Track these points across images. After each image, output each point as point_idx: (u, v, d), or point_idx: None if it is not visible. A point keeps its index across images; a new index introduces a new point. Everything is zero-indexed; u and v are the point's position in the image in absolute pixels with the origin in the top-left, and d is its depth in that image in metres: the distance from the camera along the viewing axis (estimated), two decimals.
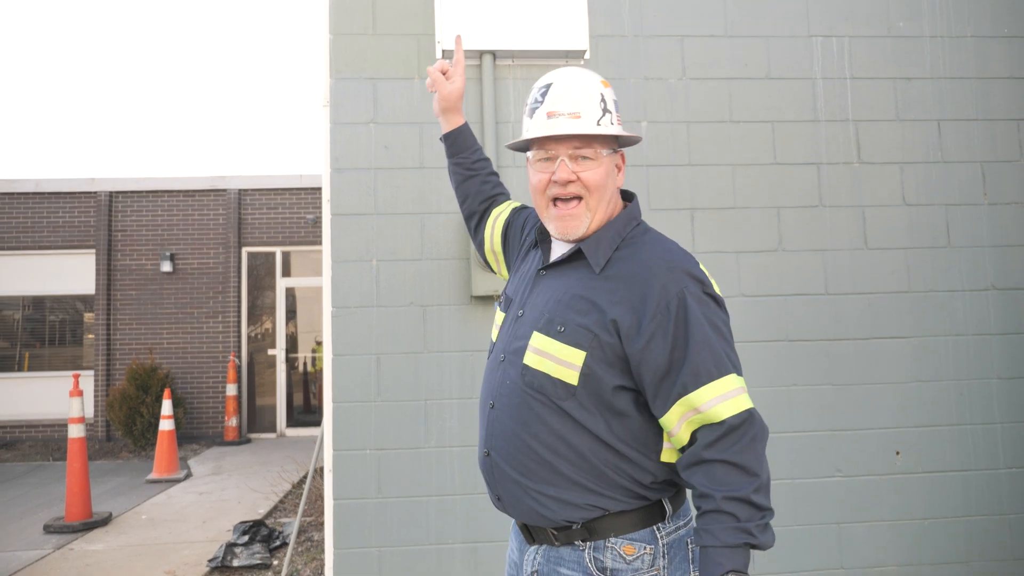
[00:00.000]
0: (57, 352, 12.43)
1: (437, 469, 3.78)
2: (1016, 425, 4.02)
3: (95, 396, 11.71)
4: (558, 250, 1.92)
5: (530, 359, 1.77)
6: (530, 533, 1.83)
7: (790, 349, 3.97)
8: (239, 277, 12.17)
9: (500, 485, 1.82)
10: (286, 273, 12.55)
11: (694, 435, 1.66)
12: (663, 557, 1.72)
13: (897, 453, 3.96)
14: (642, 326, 1.67)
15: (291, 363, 12.49)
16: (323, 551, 5.66)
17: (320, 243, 12.09)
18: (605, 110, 1.80)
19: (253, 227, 12.31)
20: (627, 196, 1.96)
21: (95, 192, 12.09)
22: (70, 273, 12.19)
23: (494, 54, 3.90)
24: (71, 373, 8.26)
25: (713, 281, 1.76)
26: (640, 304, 1.68)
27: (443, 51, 3.86)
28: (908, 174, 4.10)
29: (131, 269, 12.04)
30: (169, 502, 7.77)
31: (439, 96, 2.27)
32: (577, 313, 1.73)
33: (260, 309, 12.59)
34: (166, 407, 9.15)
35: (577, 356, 1.70)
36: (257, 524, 6.16)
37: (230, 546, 5.78)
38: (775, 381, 3.94)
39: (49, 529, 6.68)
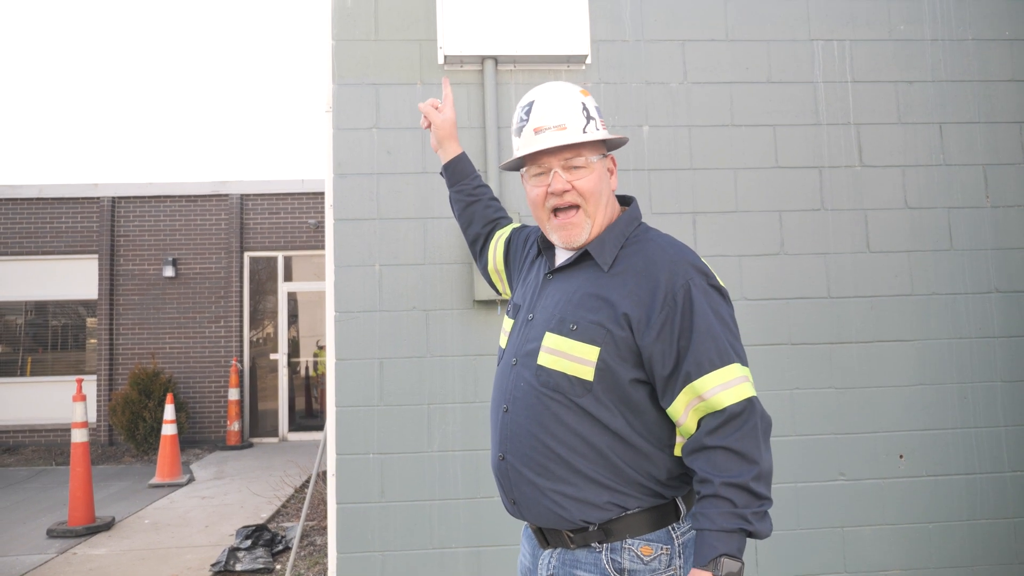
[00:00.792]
0: (60, 357, 12.44)
1: (440, 473, 3.78)
2: (1020, 428, 4.02)
3: (98, 401, 11.72)
4: (562, 255, 1.96)
5: (544, 359, 1.80)
6: (544, 537, 1.84)
7: (793, 352, 3.97)
8: (241, 282, 12.18)
9: (516, 488, 1.83)
10: (288, 278, 12.56)
11: (699, 423, 1.69)
12: (679, 556, 1.73)
13: (900, 456, 3.96)
14: (651, 318, 1.71)
15: (293, 367, 12.49)
16: (326, 555, 5.65)
17: (322, 248, 12.10)
18: (588, 117, 1.87)
19: (255, 232, 12.32)
20: (626, 200, 2.01)
21: (98, 197, 12.11)
22: (73, 278, 12.20)
23: (496, 59, 3.91)
24: (74, 378, 8.28)
25: (718, 276, 1.81)
26: (649, 297, 1.73)
27: (446, 56, 3.87)
28: (910, 177, 4.10)
29: (134, 274, 12.05)
30: (172, 506, 7.77)
31: (433, 126, 2.38)
32: (589, 311, 1.77)
33: (262, 314, 12.60)
34: (168, 412, 9.15)
35: (591, 352, 1.74)
36: (260, 528, 6.16)
37: (233, 550, 5.78)
38: (778, 384, 3.94)
39: (52, 533, 6.68)
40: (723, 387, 1.66)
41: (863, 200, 4.07)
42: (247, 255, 12.34)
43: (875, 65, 4.14)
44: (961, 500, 3.97)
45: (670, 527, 1.75)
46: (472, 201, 2.42)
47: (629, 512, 1.73)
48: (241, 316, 12.11)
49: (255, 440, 12.04)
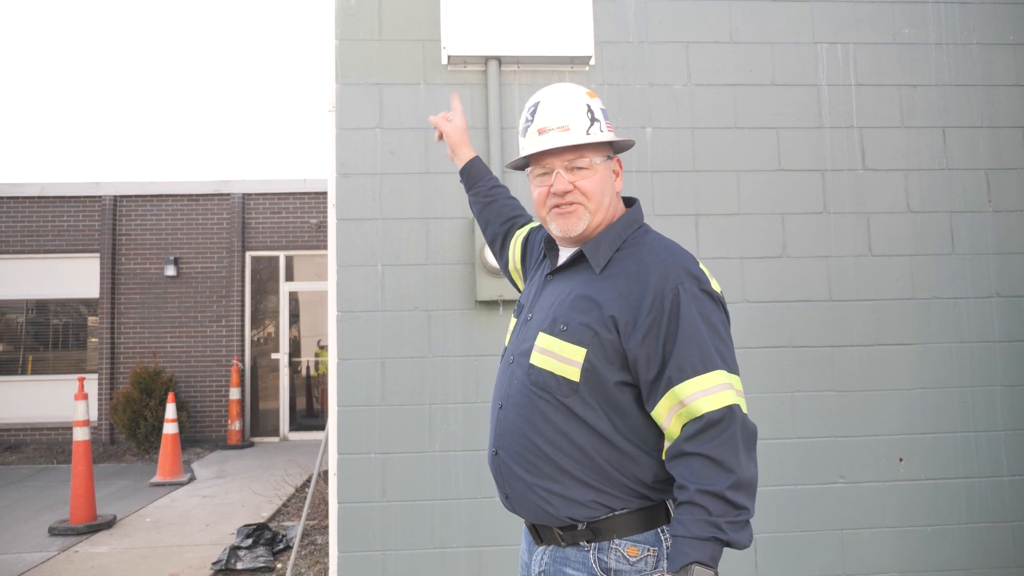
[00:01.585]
0: (61, 356, 12.45)
1: (441, 473, 3.78)
2: (1019, 432, 4.02)
3: (99, 399, 11.73)
4: (564, 256, 1.99)
5: (535, 358, 1.83)
6: (538, 534, 1.86)
7: (794, 355, 3.98)
8: (243, 281, 12.19)
9: (508, 483, 1.86)
10: (289, 277, 12.57)
11: (681, 429, 1.69)
12: (666, 559, 1.73)
13: (900, 460, 3.96)
14: (638, 322, 1.72)
15: (294, 367, 12.50)
16: (326, 554, 5.66)
17: (323, 248, 12.11)
18: (593, 119, 1.88)
19: (257, 231, 12.33)
20: (630, 202, 2.02)
21: (100, 196, 12.12)
22: (74, 277, 12.21)
23: (499, 60, 3.92)
24: (75, 376, 8.28)
25: (713, 280, 1.81)
26: (637, 301, 1.73)
27: (449, 57, 3.88)
28: (912, 181, 4.10)
29: (135, 273, 12.06)
30: (173, 505, 7.78)
31: (445, 136, 2.46)
32: (579, 312, 1.79)
33: (263, 313, 12.61)
34: (170, 411, 9.16)
35: (578, 353, 1.75)
36: (260, 527, 6.17)
37: (234, 549, 5.79)
38: (779, 387, 3.95)
39: (54, 531, 6.69)
40: (704, 393, 1.65)
41: (865, 203, 4.08)
42: (249, 254, 12.35)
43: (879, 68, 4.15)
44: (960, 504, 3.97)
45: (659, 530, 1.76)
46: (489, 202, 2.47)
47: (617, 513, 1.75)
48: (242, 315, 12.12)
49: (256, 439, 12.05)
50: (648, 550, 1.74)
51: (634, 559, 1.73)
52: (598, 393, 1.75)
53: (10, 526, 7.09)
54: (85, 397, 7.12)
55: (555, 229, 1.92)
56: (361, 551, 3.72)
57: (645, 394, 1.73)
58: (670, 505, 1.78)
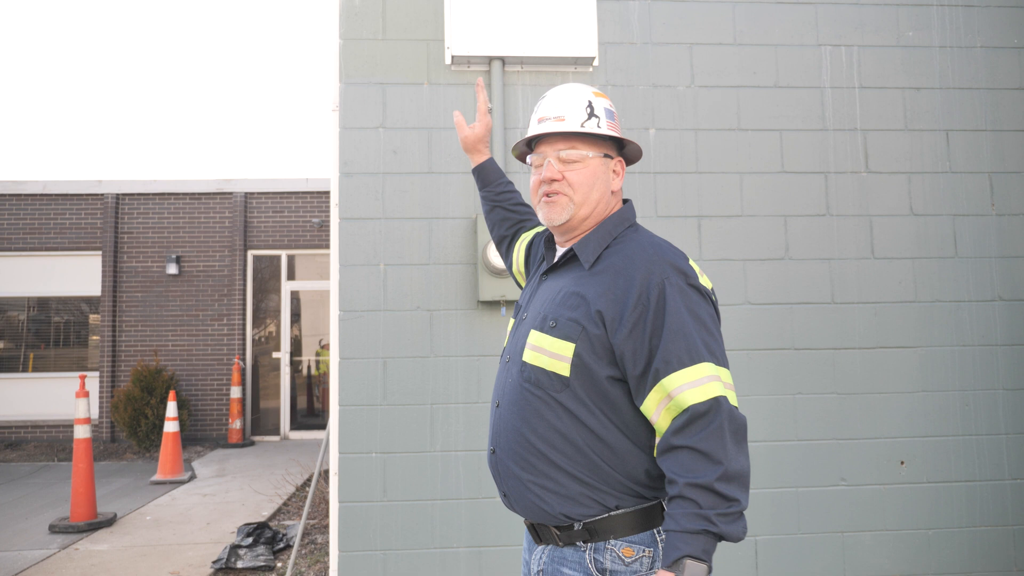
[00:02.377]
0: (62, 353, 12.46)
1: (442, 473, 3.79)
2: (1021, 436, 4.02)
3: (100, 397, 11.73)
4: (558, 256, 2.02)
5: (528, 355, 1.86)
6: (537, 533, 1.88)
7: (796, 357, 3.97)
8: (244, 280, 12.20)
9: (505, 481, 1.88)
10: (291, 276, 12.57)
11: (670, 423, 1.70)
12: (662, 560, 1.73)
13: (902, 463, 3.96)
14: (624, 316, 1.73)
15: (295, 366, 12.51)
16: (327, 554, 5.66)
17: (325, 247, 12.13)
18: (592, 115, 1.92)
19: (259, 230, 12.34)
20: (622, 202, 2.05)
21: (102, 194, 12.13)
22: (76, 275, 12.21)
23: (503, 60, 3.92)
24: (76, 374, 8.29)
25: (703, 276, 1.82)
26: (623, 295, 1.75)
27: (453, 57, 3.88)
28: (916, 184, 4.10)
29: (137, 271, 12.07)
30: (173, 503, 7.78)
31: (462, 139, 2.50)
32: (568, 308, 1.82)
33: (265, 312, 12.62)
34: (171, 409, 9.16)
35: (567, 348, 1.78)
36: (261, 526, 6.17)
37: (234, 548, 5.79)
38: (780, 389, 3.95)
39: (54, 529, 6.69)
40: (690, 385, 1.66)
41: (868, 206, 4.07)
42: (251, 253, 12.35)
43: (883, 71, 4.15)
44: (961, 507, 3.97)
45: (655, 530, 1.77)
46: (497, 204, 2.51)
47: (613, 512, 1.75)
48: (244, 314, 12.12)
49: (257, 438, 12.05)
50: (643, 551, 1.75)
51: (629, 559, 1.74)
52: (588, 388, 1.77)
53: (10, 523, 7.10)
54: (86, 395, 7.12)
55: (542, 218, 1.97)
56: (362, 550, 3.72)
57: (634, 389, 1.74)
58: (665, 505, 1.77)
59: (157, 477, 8.91)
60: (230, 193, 12.28)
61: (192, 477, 9.10)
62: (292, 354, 12.43)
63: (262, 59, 31.85)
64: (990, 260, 4.08)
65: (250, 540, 5.92)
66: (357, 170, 3.90)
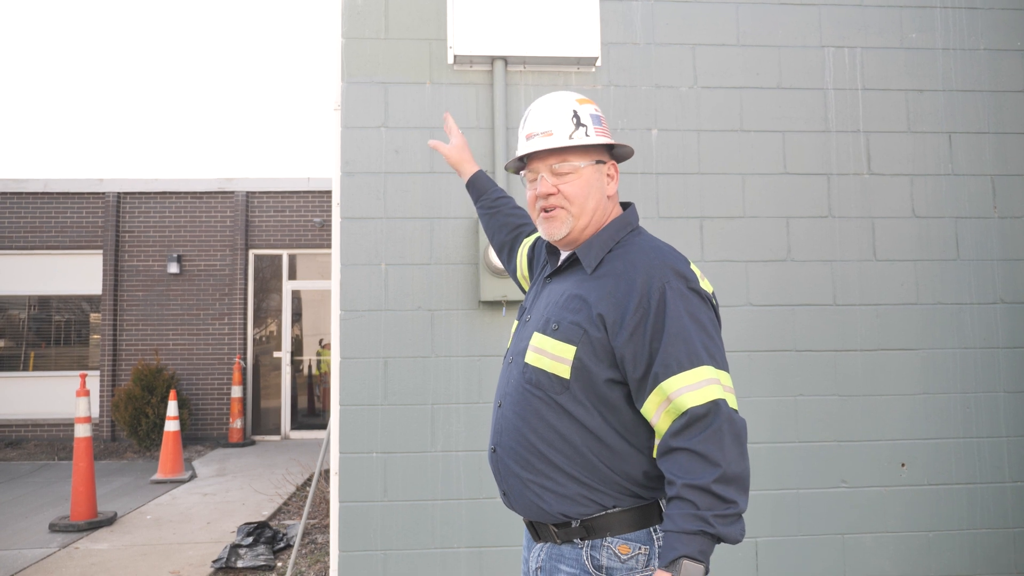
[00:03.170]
0: (63, 352, 12.46)
1: (443, 473, 3.78)
2: (1022, 439, 4.01)
3: (101, 396, 11.73)
4: (562, 259, 2.05)
5: (530, 357, 1.88)
6: (536, 531, 1.91)
7: (797, 359, 3.97)
8: (245, 279, 12.20)
9: (505, 480, 1.91)
10: (292, 276, 12.58)
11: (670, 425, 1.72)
12: (658, 558, 1.76)
13: (902, 465, 3.96)
14: (625, 320, 1.75)
15: (296, 366, 12.51)
16: (327, 553, 5.66)
17: (326, 246, 12.12)
18: (578, 124, 1.94)
19: (260, 230, 12.34)
20: (625, 206, 2.07)
21: (103, 193, 12.13)
22: (77, 273, 12.22)
23: (506, 60, 3.92)
24: (77, 373, 8.29)
25: (705, 280, 1.84)
26: (624, 299, 1.77)
27: (455, 56, 3.87)
28: (918, 186, 4.10)
29: (138, 270, 12.07)
30: (174, 503, 7.78)
31: (445, 156, 2.54)
32: (570, 311, 1.84)
33: (266, 312, 12.62)
34: (171, 408, 9.17)
35: (568, 351, 1.80)
36: (261, 526, 6.17)
37: (234, 547, 5.79)
38: (782, 391, 3.94)
39: (54, 528, 6.69)
40: (689, 388, 1.67)
41: (871, 208, 4.07)
42: (252, 252, 12.36)
43: (886, 73, 4.14)
44: (962, 509, 3.96)
45: (651, 529, 1.79)
46: (494, 212, 2.53)
47: (610, 511, 1.78)
48: (245, 313, 12.12)
49: (257, 438, 12.06)
50: (639, 548, 1.76)
51: (625, 557, 1.76)
52: (588, 390, 1.79)
53: (11, 522, 7.10)
54: (87, 394, 7.12)
55: (542, 233, 2.01)
56: (362, 550, 3.71)
57: (634, 391, 1.76)
58: (662, 504, 1.80)
59: (157, 476, 8.91)
60: (231, 192, 12.28)
61: (192, 476, 9.11)
62: (293, 353, 12.43)
63: (264, 58, 31.86)
64: (992, 263, 4.08)
65: (250, 539, 5.92)
66: (359, 169, 3.89)
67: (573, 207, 1.92)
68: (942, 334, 4.04)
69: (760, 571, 3.86)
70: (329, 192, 11.87)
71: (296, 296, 12.60)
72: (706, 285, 1.83)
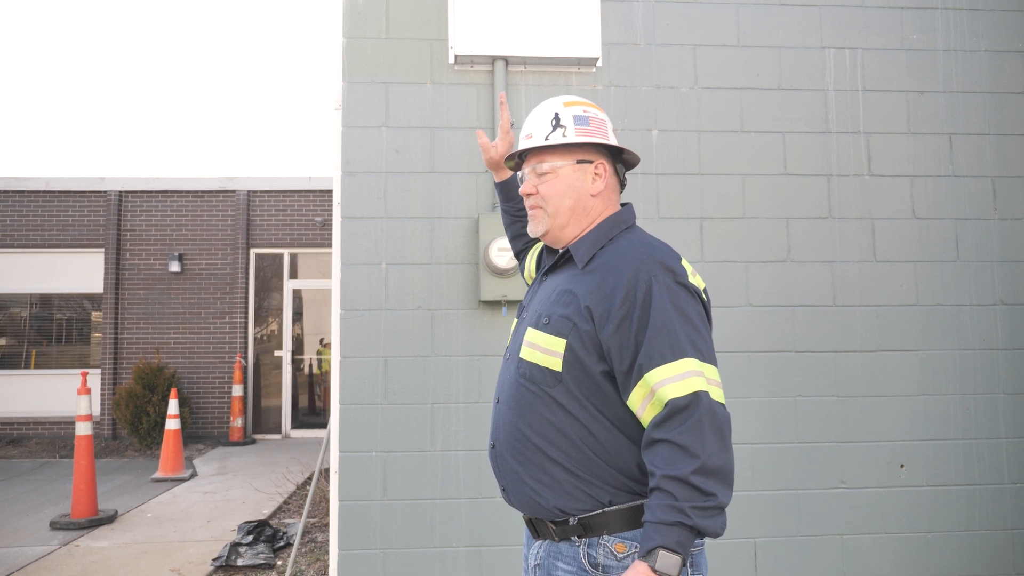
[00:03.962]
0: (64, 350, 12.47)
1: (443, 472, 3.79)
2: (1021, 440, 4.01)
3: (102, 395, 11.74)
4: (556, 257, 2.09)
5: (524, 352, 1.92)
6: (535, 528, 1.93)
7: (797, 360, 3.97)
8: (247, 278, 12.20)
9: (504, 475, 1.94)
10: (293, 275, 12.58)
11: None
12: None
13: (902, 466, 3.96)
14: (611, 312, 1.78)
15: (297, 365, 12.51)
16: (327, 552, 5.67)
17: (327, 246, 12.13)
18: (556, 126, 2.00)
19: (261, 229, 12.35)
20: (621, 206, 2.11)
21: (105, 191, 12.13)
22: (78, 272, 12.22)
23: (506, 60, 3.92)
24: (78, 371, 8.30)
25: (696, 276, 1.87)
26: (611, 292, 1.79)
27: (456, 56, 3.88)
28: (918, 187, 4.10)
29: (139, 269, 12.08)
30: (174, 501, 7.79)
31: (488, 159, 2.56)
32: (561, 306, 1.87)
33: (267, 310, 12.62)
34: (172, 407, 9.18)
35: (559, 344, 1.83)
36: (261, 524, 6.18)
37: (234, 546, 5.79)
38: (781, 391, 3.95)
39: (55, 526, 6.70)
40: (671, 380, 1.68)
41: (871, 209, 4.07)
42: (253, 251, 12.36)
43: (886, 74, 4.15)
44: (961, 511, 3.97)
45: None
46: (516, 220, 2.59)
47: (606, 509, 1.79)
48: (246, 312, 12.13)
49: (258, 436, 12.07)
50: (635, 547, 1.77)
51: (621, 555, 1.77)
52: (581, 383, 1.81)
53: (11, 520, 7.11)
54: (88, 392, 7.13)
55: (528, 230, 2.09)
56: (361, 549, 3.72)
57: (621, 384, 1.78)
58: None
59: (158, 474, 8.92)
60: (233, 191, 12.29)
61: (193, 475, 9.11)
62: (294, 352, 12.44)
63: (265, 58, 31.87)
64: (992, 264, 4.08)
65: (250, 538, 5.92)
66: (359, 169, 3.90)
67: (549, 206, 1.98)
68: (942, 335, 4.04)
69: (759, 571, 3.86)
70: (330, 191, 11.87)
71: (297, 295, 12.60)
72: (697, 281, 1.85)
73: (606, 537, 1.78)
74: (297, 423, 12.33)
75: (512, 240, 2.64)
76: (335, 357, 3.83)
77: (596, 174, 2.01)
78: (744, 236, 4.01)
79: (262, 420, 12.31)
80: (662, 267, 1.79)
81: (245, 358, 11.97)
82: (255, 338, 12.36)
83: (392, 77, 3.96)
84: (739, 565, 3.85)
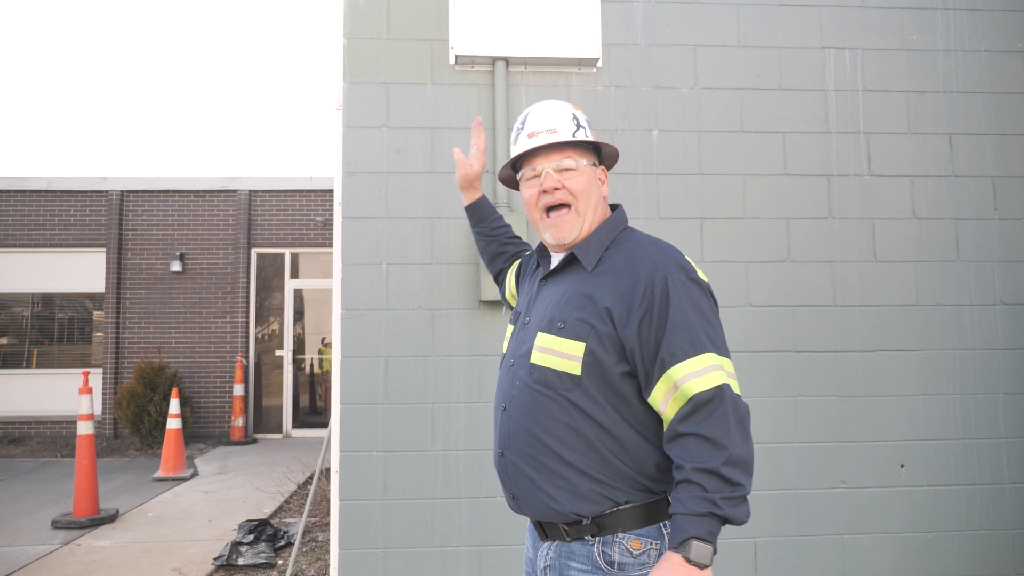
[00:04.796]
0: (66, 350, 12.48)
1: (443, 472, 3.79)
2: (1021, 440, 4.02)
3: (103, 394, 11.75)
4: (555, 261, 2.10)
5: (536, 357, 1.90)
6: (543, 530, 1.92)
7: (797, 359, 3.98)
8: (248, 278, 12.21)
9: (515, 483, 1.92)
10: (294, 275, 12.59)
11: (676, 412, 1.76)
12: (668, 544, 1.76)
13: (902, 466, 3.96)
14: (631, 312, 1.80)
15: (298, 364, 12.52)
16: (327, 551, 5.67)
17: (328, 245, 12.13)
18: (579, 126, 2.04)
19: (262, 228, 12.35)
20: (613, 208, 2.14)
21: (106, 191, 12.15)
22: (80, 271, 12.23)
23: (507, 61, 3.93)
24: (80, 370, 8.30)
25: (700, 271, 1.89)
26: (629, 292, 1.82)
27: (457, 57, 3.88)
28: (918, 187, 4.10)
29: (141, 268, 12.09)
30: (175, 500, 7.79)
31: (461, 176, 2.56)
32: (575, 309, 1.87)
33: (268, 310, 12.63)
34: (173, 406, 9.19)
35: (578, 348, 1.83)
36: (262, 524, 6.18)
37: (235, 545, 5.80)
38: (781, 391, 3.95)
39: (57, 525, 6.71)
40: (694, 375, 1.72)
41: (871, 209, 4.08)
42: (254, 251, 12.37)
43: (886, 74, 4.15)
44: (961, 510, 3.97)
45: (661, 524, 1.82)
46: (491, 241, 2.63)
47: (621, 507, 1.80)
48: (247, 312, 12.14)
49: (259, 436, 12.07)
50: (651, 543, 1.79)
51: (637, 552, 1.78)
52: (600, 385, 1.82)
53: (13, 519, 7.12)
54: (89, 391, 7.13)
55: (549, 238, 2.05)
56: (362, 549, 3.73)
57: (642, 381, 1.80)
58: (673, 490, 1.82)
59: (159, 474, 8.93)
60: (234, 191, 12.30)
61: (194, 474, 9.12)
62: (295, 352, 12.44)
63: (266, 58, 31.87)
64: (992, 264, 4.08)
65: (251, 537, 5.93)
66: (360, 169, 3.91)
67: (579, 203, 1.98)
68: (942, 335, 4.04)
69: (759, 571, 3.86)
70: (331, 191, 11.88)
71: (298, 295, 12.61)
72: (702, 275, 1.89)
73: (621, 534, 1.79)
74: (298, 423, 12.34)
75: (490, 262, 2.66)
76: (336, 357, 3.84)
77: (600, 179, 2.07)
78: (744, 236, 4.02)
79: (263, 420, 12.32)
80: (676, 265, 1.83)
81: (246, 358, 11.98)
82: (256, 338, 12.37)
83: (393, 77, 3.96)
84: (739, 565, 3.86)
